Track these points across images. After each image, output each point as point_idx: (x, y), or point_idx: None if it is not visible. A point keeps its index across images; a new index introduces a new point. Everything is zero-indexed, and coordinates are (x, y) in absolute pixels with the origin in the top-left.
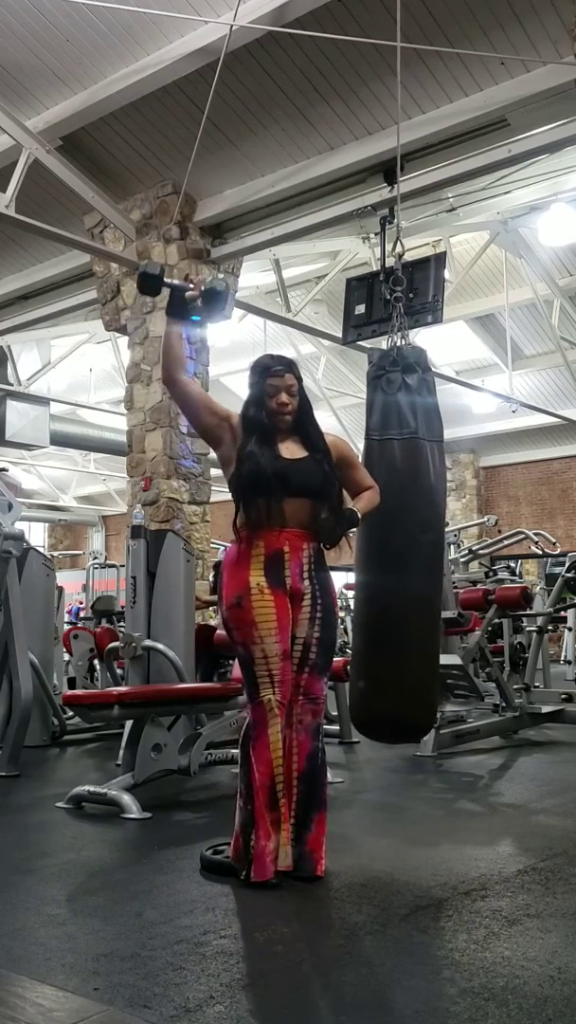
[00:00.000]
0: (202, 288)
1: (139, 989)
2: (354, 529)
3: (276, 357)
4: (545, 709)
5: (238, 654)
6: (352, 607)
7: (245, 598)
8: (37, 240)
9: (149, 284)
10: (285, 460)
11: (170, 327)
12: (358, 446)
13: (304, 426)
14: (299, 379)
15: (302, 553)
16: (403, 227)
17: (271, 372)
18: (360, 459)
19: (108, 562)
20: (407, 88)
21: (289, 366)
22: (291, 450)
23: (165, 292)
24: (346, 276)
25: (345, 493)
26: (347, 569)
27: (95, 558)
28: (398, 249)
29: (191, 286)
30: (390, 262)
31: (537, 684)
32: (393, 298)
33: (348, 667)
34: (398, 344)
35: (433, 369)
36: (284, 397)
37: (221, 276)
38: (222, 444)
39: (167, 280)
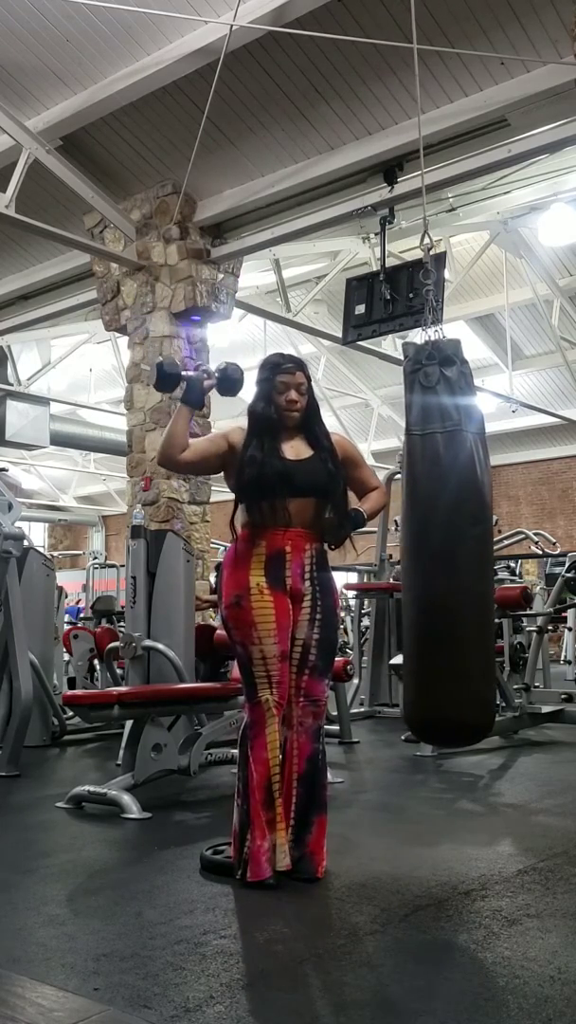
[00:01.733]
0: (216, 377)
1: (139, 989)
2: (360, 529)
3: (286, 356)
4: (545, 709)
5: (236, 654)
6: (352, 607)
7: (244, 598)
8: (37, 240)
9: (167, 382)
10: (288, 461)
11: (181, 414)
12: (359, 447)
13: (311, 425)
14: (308, 379)
15: (304, 553)
16: (403, 227)
17: (281, 369)
18: (402, 457)
19: (108, 562)
20: (407, 88)
21: (299, 365)
22: (296, 449)
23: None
24: (346, 276)
25: (351, 494)
26: (348, 569)
27: (95, 558)
28: (426, 241)
29: (206, 376)
30: (416, 255)
31: (537, 684)
32: (424, 290)
33: (347, 667)
34: (432, 337)
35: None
36: (293, 395)
37: (235, 364)
38: (229, 464)
39: (184, 373)
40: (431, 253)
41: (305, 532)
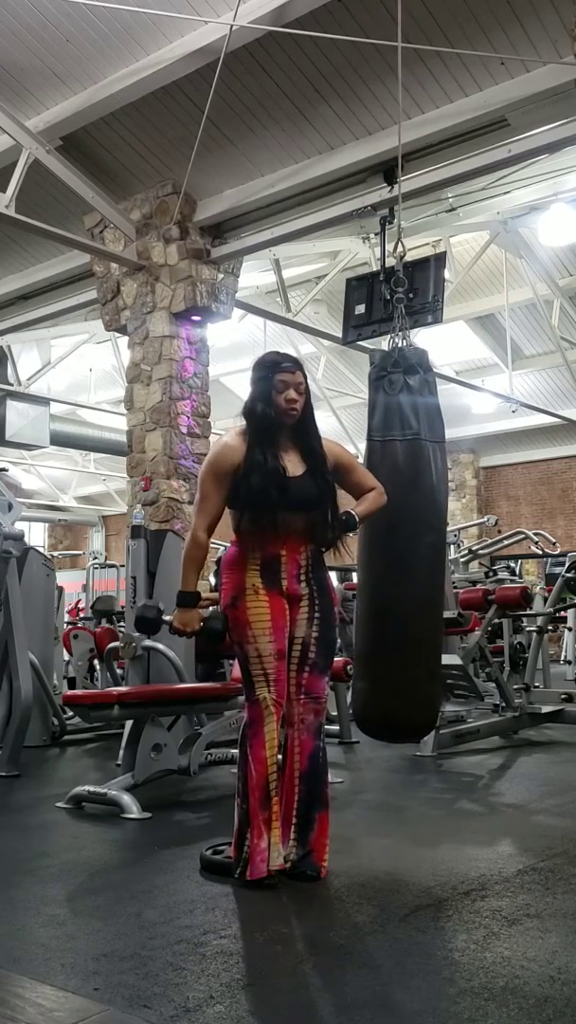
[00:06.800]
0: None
1: (139, 989)
2: (352, 532)
3: (283, 354)
4: (545, 709)
5: (236, 653)
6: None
7: (240, 599)
8: (37, 240)
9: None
10: (288, 479)
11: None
12: (359, 447)
13: (306, 429)
14: (306, 377)
15: (299, 556)
16: (403, 227)
17: (281, 368)
18: (361, 461)
19: (108, 562)
20: (407, 88)
21: (298, 364)
22: (292, 461)
23: None
24: (346, 276)
25: (348, 496)
26: (352, 569)
27: (95, 558)
28: (399, 250)
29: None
30: (390, 262)
31: (537, 684)
32: (394, 299)
33: (347, 667)
34: (399, 345)
35: (433, 369)
36: (293, 394)
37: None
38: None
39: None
40: (432, 253)
41: (299, 538)
